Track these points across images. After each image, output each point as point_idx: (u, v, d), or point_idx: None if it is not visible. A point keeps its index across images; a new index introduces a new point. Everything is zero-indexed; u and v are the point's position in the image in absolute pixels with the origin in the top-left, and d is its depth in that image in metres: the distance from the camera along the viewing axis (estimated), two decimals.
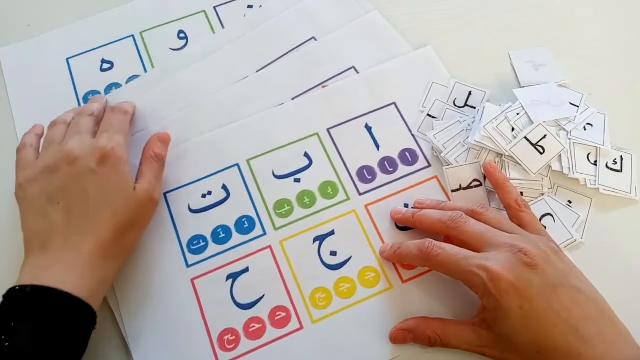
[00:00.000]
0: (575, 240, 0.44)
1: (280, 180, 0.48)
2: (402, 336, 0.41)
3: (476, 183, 0.46)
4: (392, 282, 0.44)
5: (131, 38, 0.56)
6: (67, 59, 0.55)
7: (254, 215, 0.47)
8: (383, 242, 0.45)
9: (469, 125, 0.48)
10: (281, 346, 0.42)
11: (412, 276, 0.44)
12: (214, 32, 0.56)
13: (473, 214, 0.41)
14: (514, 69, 0.52)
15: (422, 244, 0.40)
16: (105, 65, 0.55)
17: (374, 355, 0.41)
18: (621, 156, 0.47)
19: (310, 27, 0.55)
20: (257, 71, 0.53)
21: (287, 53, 0.54)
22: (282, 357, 0.41)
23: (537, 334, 0.35)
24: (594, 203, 0.46)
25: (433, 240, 0.40)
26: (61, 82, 0.53)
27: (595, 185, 0.45)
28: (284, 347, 0.42)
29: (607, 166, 0.46)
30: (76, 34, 0.56)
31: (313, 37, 0.55)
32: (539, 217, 0.44)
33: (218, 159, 0.49)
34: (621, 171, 0.46)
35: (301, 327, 0.42)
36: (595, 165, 0.46)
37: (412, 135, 0.50)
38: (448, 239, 0.42)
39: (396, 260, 0.43)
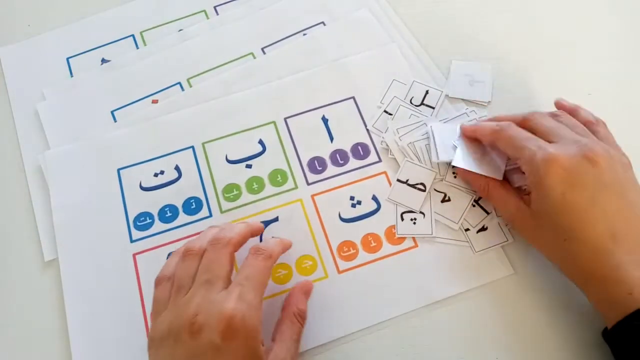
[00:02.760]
0: None
1: (233, 165, 0.49)
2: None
3: (420, 187, 0.46)
4: (329, 272, 0.44)
5: (131, 38, 0.57)
6: (67, 59, 0.56)
7: (202, 197, 0.47)
8: (325, 232, 0.46)
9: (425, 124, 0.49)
10: None
11: (348, 267, 0.44)
12: None
13: (553, 116, 0.42)
14: (449, 78, 0.52)
15: (499, 122, 0.43)
16: (105, 65, 0.56)
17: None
18: None
19: (320, 12, 0.57)
20: (262, 48, 0.55)
21: (293, 35, 0.56)
22: None
23: (571, 222, 0.36)
24: None
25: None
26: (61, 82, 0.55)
27: None
28: None
29: None
30: (76, 33, 0.57)
31: (322, 22, 0.56)
32: None
33: (174, 140, 0.50)
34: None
35: None
36: None
37: (367, 130, 0.50)
38: None
39: (470, 133, 0.45)
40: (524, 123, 0.42)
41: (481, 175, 0.43)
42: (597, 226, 0.36)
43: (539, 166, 0.37)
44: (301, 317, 0.40)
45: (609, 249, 0.35)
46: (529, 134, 0.40)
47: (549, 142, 0.39)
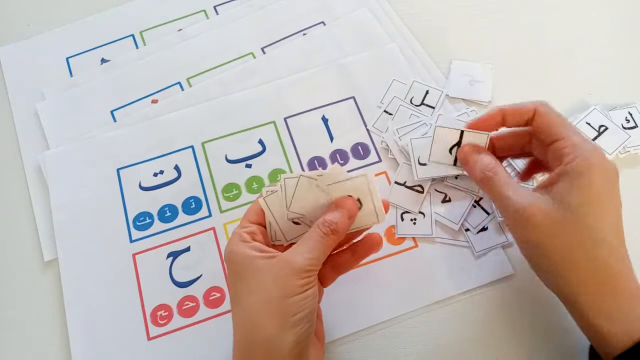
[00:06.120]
0: None
1: (232, 164, 0.49)
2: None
3: (418, 189, 0.46)
4: None
5: (131, 37, 0.57)
6: (67, 59, 0.56)
7: (201, 197, 0.47)
8: None
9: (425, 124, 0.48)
10: (212, 325, 0.42)
11: None
12: None
13: None
14: (449, 77, 0.52)
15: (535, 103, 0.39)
16: (105, 65, 0.55)
17: None
18: None
19: (320, 11, 0.57)
20: (262, 48, 0.55)
21: (293, 34, 0.56)
22: (211, 336, 0.42)
23: (605, 222, 0.34)
24: None
25: None
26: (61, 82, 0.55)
27: None
28: (215, 327, 0.42)
29: None
30: (76, 33, 0.58)
31: (322, 22, 0.56)
32: None
33: (174, 140, 0.50)
34: None
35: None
36: None
37: (367, 130, 0.50)
38: None
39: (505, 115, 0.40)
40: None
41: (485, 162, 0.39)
42: (621, 236, 0.34)
43: (590, 154, 0.34)
44: (329, 228, 0.34)
45: (628, 261, 0.34)
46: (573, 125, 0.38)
47: None
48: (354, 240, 0.39)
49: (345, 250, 0.39)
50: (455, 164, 0.43)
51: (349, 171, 0.48)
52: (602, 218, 0.34)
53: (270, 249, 0.34)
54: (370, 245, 0.38)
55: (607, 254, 0.33)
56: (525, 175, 0.44)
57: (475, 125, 0.41)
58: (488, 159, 0.39)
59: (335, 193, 0.36)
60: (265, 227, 0.37)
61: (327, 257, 0.34)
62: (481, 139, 0.41)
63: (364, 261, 0.43)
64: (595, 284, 0.33)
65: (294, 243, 0.36)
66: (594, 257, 0.33)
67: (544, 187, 0.36)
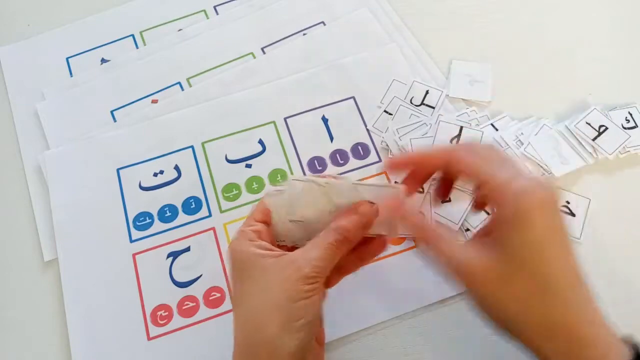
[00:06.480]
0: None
1: (232, 164, 0.49)
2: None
3: (419, 189, 0.46)
4: None
5: (131, 37, 0.57)
6: (67, 59, 0.56)
7: (201, 197, 0.47)
8: None
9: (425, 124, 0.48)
10: (212, 325, 0.42)
11: None
12: None
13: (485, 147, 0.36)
14: (449, 77, 0.52)
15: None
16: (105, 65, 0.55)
17: None
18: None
19: (320, 11, 0.57)
20: (262, 48, 0.55)
21: (293, 34, 0.56)
22: (211, 336, 0.42)
23: (553, 268, 0.30)
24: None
25: None
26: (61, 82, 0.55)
27: None
28: (215, 327, 0.42)
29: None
30: (76, 33, 0.58)
31: (322, 22, 0.56)
32: None
33: (174, 140, 0.50)
34: None
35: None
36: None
37: (367, 130, 0.50)
38: None
39: (405, 162, 0.37)
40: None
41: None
42: (575, 274, 0.30)
43: (522, 190, 0.30)
44: (339, 232, 0.33)
45: (588, 301, 0.30)
46: (502, 156, 0.34)
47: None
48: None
49: (351, 253, 0.38)
50: None
51: (347, 172, 0.48)
52: (546, 261, 0.30)
53: (277, 248, 0.34)
54: (376, 247, 0.38)
55: (560, 303, 0.30)
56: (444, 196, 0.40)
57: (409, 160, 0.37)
58: (419, 220, 0.35)
59: (357, 197, 0.34)
60: (270, 226, 0.36)
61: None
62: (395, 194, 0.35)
63: None
64: (554, 337, 0.30)
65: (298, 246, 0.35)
66: (542, 306, 0.30)
67: (483, 236, 0.34)
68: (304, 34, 0.55)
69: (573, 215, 0.45)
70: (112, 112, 0.52)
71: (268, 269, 0.32)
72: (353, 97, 0.51)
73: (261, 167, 0.48)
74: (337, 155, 0.49)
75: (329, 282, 0.38)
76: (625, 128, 0.47)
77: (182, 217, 0.47)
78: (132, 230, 0.46)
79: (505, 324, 0.31)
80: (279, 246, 0.36)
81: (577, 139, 0.47)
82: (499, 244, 0.31)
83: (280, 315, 0.31)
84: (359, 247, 0.37)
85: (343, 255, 0.34)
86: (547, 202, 0.30)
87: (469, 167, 0.33)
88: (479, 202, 0.40)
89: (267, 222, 0.36)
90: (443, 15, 0.56)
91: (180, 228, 0.46)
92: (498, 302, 0.31)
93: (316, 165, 0.48)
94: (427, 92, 0.51)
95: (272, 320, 0.31)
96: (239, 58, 0.55)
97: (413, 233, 0.36)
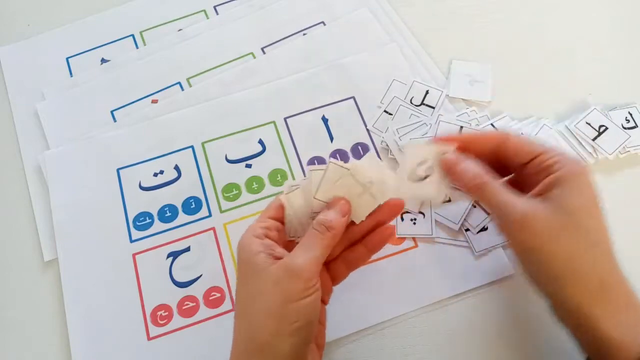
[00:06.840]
0: None
1: (232, 164, 0.49)
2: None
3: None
4: None
5: (131, 37, 0.57)
6: (67, 59, 0.56)
7: (201, 197, 0.47)
8: None
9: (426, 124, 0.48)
10: (212, 325, 0.42)
11: None
12: None
13: None
14: (449, 77, 0.52)
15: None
16: (105, 65, 0.55)
17: None
18: None
19: (320, 11, 0.57)
20: (262, 48, 0.55)
21: (293, 34, 0.56)
22: (211, 336, 0.42)
23: (601, 224, 0.34)
24: None
25: None
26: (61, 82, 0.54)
27: None
28: (215, 327, 0.42)
29: None
30: (76, 33, 0.58)
31: (322, 22, 0.56)
32: None
33: (174, 140, 0.50)
34: None
35: (234, 309, 0.43)
36: None
37: (367, 130, 0.50)
38: None
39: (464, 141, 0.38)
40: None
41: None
42: (609, 232, 0.34)
43: (576, 162, 0.35)
44: (324, 226, 0.34)
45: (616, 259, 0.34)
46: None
47: None
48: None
49: (358, 245, 0.38)
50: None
51: None
52: (598, 220, 0.34)
53: (280, 250, 0.34)
54: (383, 236, 0.38)
55: (606, 259, 0.33)
56: None
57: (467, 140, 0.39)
58: (474, 167, 0.37)
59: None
60: (283, 223, 0.36)
61: (327, 257, 0.34)
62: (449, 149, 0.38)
63: None
64: (603, 295, 0.32)
65: None
66: (594, 263, 0.33)
67: (537, 195, 0.35)
68: (304, 34, 0.56)
69: None
70: (112, 112, 0.52)
71: (263, 273, 0.32)
72: (353, 97, 0.51)
73: (261, 167, 0.48)
74: (337, 155, 0.49)
75: (337, 277, 0.38)
76: (625, 128, 0.47)
77: (182, 217, 0.47)
78: (132, 230, 0.46)
79: (550, 278, 0.33)
80: (289, 243, 0.36)
81: (577, 139, 0.47)
82: (557, 201, 0.33)
83: (275, 317, 0.31)
84: (366, 239, 0.37)
85: (332, 245, 0.34)
86: (590, 175, 0.34)
87: (524, 143, 0.37)
88: (520, 181, 0.39)
89: (279, 219, 0.36)
90: (443, 15, 0.56)
91: (180, 228, 0.46)
92: (548, 253, 0.33)
93: (316, 164, 0.48)
94: (427, 92, 0.51)
95: (266, 324, 0.31)
96: (239, 58, 0.55)
97: (469, 186, 0.37)
